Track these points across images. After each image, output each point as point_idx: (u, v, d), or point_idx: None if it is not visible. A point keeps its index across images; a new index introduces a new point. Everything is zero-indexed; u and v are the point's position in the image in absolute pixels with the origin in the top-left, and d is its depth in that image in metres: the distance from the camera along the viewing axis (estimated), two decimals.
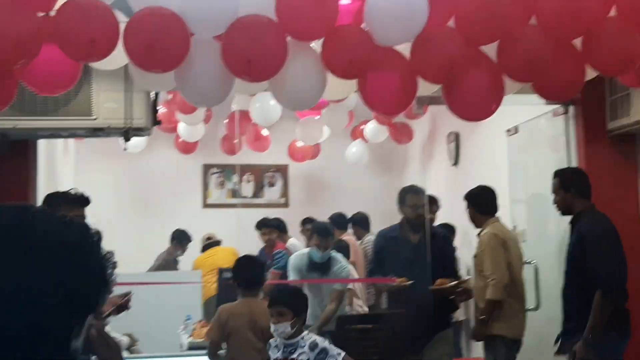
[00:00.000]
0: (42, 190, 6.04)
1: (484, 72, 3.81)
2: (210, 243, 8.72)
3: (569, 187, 4.61)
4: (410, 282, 5.10)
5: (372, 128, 8.95)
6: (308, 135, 8.87)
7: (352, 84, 3.91)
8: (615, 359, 4.39)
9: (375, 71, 3.70)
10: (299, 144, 9.34)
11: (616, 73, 4.19)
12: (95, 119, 4.50)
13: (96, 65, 4.09)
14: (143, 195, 9.84)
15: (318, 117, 8.52)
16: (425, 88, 3.91)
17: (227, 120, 8.75)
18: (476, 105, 3.92)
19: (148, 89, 4.25)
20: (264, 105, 7.40)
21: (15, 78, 3.57)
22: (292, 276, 6.09)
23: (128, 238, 9.45)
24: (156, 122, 4.71)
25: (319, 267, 6.03)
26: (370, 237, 7.39)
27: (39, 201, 5.11)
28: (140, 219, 9.68)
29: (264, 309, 4.50)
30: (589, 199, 4.62)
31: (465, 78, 3.76)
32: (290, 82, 3.70)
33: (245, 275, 4.65)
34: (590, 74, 4.06)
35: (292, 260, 6.23)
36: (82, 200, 3.72)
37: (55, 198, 3.71)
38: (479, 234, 5.21)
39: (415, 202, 5.29)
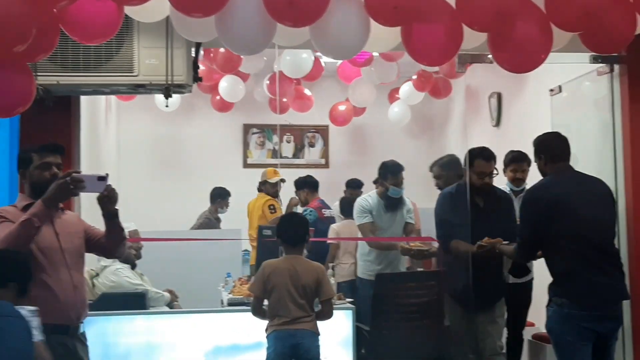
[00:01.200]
0: (85, 146, 6.13)
1: (532, 21, 3.72)
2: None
3: (539, 154, 4.56)
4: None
5: (406, 90, 8.90)
6: (359, 97, 8.86)
7: (396, 34, 3.86)
8: (566, 326, 4.26)
9: (420, 19, 3.64)
10: (342, 107, 9.32)
11: None
12: (136, 76, 4.53)
13: (138, 16, 4.12)
14: (183, 154, 9.93)
15: (360, 78, 8.51)
16: (469, 41, 3.84)
17: (268, 82, 8.75)
18: (523, 55, 3.85)
19: (190, 37, 4.24)
20: (294, 58, 7.39)
21: (56, 23, 3.59)
22: (362, 219, 6.43)
23: (168, 196, 9.58)
24: (197, 78, 4.72)
25: (395, 204, 6.45)
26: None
27: (82, 157, 5.20)
28: (180, 177, 9.78)
29: (307, 266, 4.60)
30: (561, 161, 4.48)
31: (512, 27, 3.69)
32: (332, 28, 3.67)
33: (289, 232, 4.67)
34: None
35: (360, 203, 6.54)
36: (58, 148, 3.76)
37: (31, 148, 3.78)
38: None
39: (483, 170, 5.19)
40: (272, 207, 7.68)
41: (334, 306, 4.96)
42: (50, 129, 4.70)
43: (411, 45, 3.80)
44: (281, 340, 4.45)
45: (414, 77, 8.84)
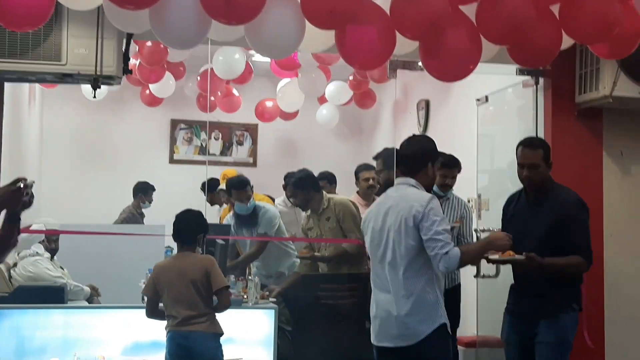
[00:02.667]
0: (7, 134, 5.97)
1: (463, 32, 3.80)
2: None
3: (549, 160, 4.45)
4: None
5: (332, 90, 8.94)
6: (288, 101, 8.85)
7: (330, 36, 3.88)
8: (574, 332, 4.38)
9: (355, 23, 3.68)
10: (269, 103, 9.32)
11: (592, 41, 4.23)
12: (64, 65, 4.43)
13: (69, 3, 4.04)
14: (108, 146, 9.76)
15: (293, 79, 8.51)
16: (402, 47, 3.90)
17: (199, 79, 8.69)
18: (453, 64, 3.93)
19: (122, 28, 4.18)
20: (227, 58, 7.35)
21: None
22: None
23: (92, 190, 9.41)
24: (127, 71, 4.65)
25: (247, 220, 6.40)
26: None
27: (4, 144, 5.06)
28: (105, 170, 9.61)
29: (195, 261, 4.46)
30: None
31: (444, 36, 3.76)
32: (267, 28, 3.68)
33: (178, 229, 4.56)
34: (565, 43, 4.08)
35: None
36: None
37: None
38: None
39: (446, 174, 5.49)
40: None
41: (257, 305, 4.96)
42: None
43: (344, 49, 3.84)
44: (174, 341, 4.40)
45: (350, 77, 8.89)
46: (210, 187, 8.01)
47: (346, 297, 5.46)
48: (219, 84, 8.37)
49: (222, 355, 4.45)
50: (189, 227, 4.54)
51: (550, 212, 4.25)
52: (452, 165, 5.52)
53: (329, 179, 7.30)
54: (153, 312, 4.52)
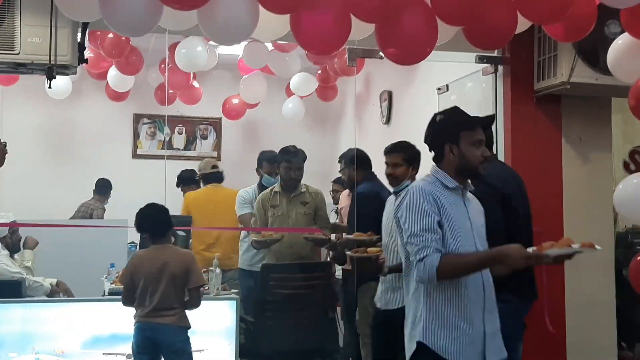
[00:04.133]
0: None
1: (418, 13, 3.80)
2: (214, 173, 7.42)
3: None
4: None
5: (297, 81, 8.92)
6: (250, 93, 8.81)
7: (285, 23, 3.86)
8: (513, 322, 4.15)
9: (309, 7, 3.66)
10: (235, 100, 9.26)
11: (546, 21, 4.24)
12: (17, 54, 4.36)
13: None
14: (70, 142, 9.64)
15: (258, 72, 8.47)
16: (358, 32, 3.88)
17: (162, 65, 8.59)
18: (410, 47, 3.92)
19: (73, 17, 4.12)
20: (190, 51, 7.28)
21: None
22: (241, 210, 6.47)
23: (53, 185, 9.30)
24: (83, 60, 4.58)
25: None
26: None
27: None
28: (67, 166, 9.50)
29: (177, 255, 4.54)
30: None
31: (399, 19, 3.74)
32: (220, 13, 3.64)
33: (152, 222, 4.58)
34: (522, 25, 4.09)
35: (241, 194, 6.61)
36: None
37: None
38: None
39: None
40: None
41: (219, 296, 4.94)
42: None
43: (300, 34, 3.82)
44: (142, 332, 4.43)
45: (319, 71, 8.87)
46: (185, 180, 7.96)
47: (309, 287, 5.44)
48: (180, 76, 8.27)
49: (190, 348, 4.48)
50: (163, 219, 4.58)
51: None
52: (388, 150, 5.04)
53: None
54: (129, 300, 4.51)
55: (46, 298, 5.55)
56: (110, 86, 8.77)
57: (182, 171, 8.21)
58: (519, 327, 4.26)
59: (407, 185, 4.47)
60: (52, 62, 4.36)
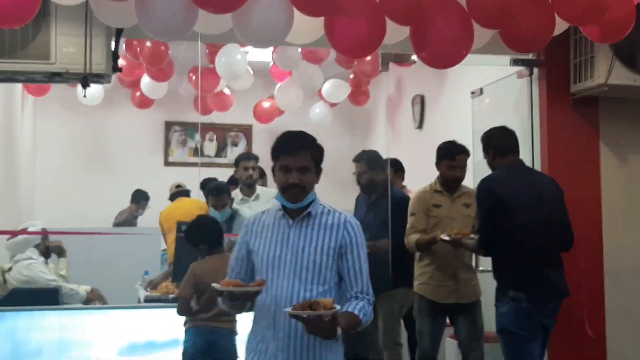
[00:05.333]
0: (0, 140, 5.94)
1: (453, 16, 3.76)
2: (178, 192, 8.46)
3: (487, 149, 4.62)
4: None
5: (328, 88, 8.89)
6: (286, 100, 8.80)
7: (320, 27, 3.84)
8: (525, 321, 4.23)
9: (343, 10, 3.64)
10: (266, 104, 9.26)
11: (583, 23, 4.18)
12: (53, 64, 4.37)
13: None
14: (103, 150, 9.73)
15: (290, 78, 8.46)
16: (392, 36, 3.85)
17: (190, 74, 8.62)
18: (445, 50, 3.88)
19: (109, 23, 4.14)
20: (229, 59, 7.30)
21: None
22: None
23: (86, 193, 9.37)
24: (116, 69, 4.60)
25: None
26: None
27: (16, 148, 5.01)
28: (100, 174, 9.58)
29: None
30: (509, 155, 4.53)
31: (433, 21, 3.71)
32: (254, 16, 3.65)
33: (209, 233, 4.69)
34: (559, 27, 4.03)
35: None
36: None
37: None
38: None
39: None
40: None
41: None
42: None
43: (334, 37, 3.80)
44: (201, 335, 4.49)
45: (351, 76, 8.82)
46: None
47: None
48: (212, 82, 8.29)
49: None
50: (217, 229, 4.76)
51: None
52: (459, 152, 5.17)
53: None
54: (186, 310, 4.58)
55: (82, 305, 5.58)
56: (139, 94, 8.82)
57: (204, 179, 8.28)
58: (531, 326, 4.23)
59: None
60: (87, 71, 4.38)
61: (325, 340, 2.85)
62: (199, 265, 4.61)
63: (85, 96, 4.71)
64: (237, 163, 6.81)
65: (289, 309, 2.73)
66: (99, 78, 4.52)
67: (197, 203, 7.50)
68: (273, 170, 3.05)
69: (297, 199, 3.00)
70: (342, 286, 3.02)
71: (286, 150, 3.00)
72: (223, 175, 8.34)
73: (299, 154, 2.99)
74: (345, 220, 3.04)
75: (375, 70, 7.73)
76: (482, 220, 4.41)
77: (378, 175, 5.63)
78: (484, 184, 4.43)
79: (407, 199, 5.47)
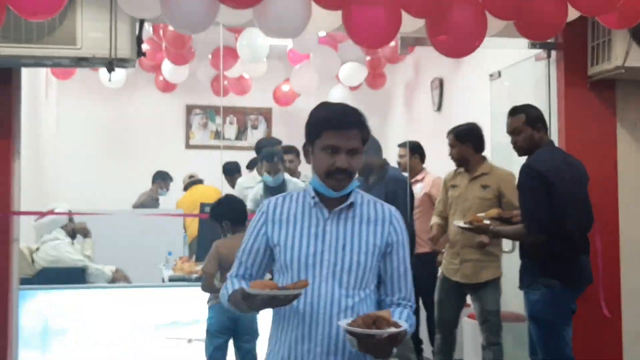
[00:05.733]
0: (25, 124, 6.04)
1: (467, 8, 3.84)
2: (192, 182, 8.73)
3: (536, 124, 4.47)
4: None
5: (347, 71, 8.95)
6: (301, 83, 8.88)
7: (338, 16, 3.93)
8: (558, 308, 4.25)
9: (360, 2, 3.72)
10: (285, 88, 9.35)
11: (597, 13, 4.23)
12: (79, 48, 4.48)
13: None
14: (125, 133, 9.85)
15: (307, 62, 8.54)
16: (408, 25, 3.93)
17: (210, 57, 8.72)
18: (459, 40, 3.96)
19: (134, 14, 4.25)
20: (251, 42, 7.39)
21: (3, 1, 3.57)
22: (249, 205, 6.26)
23: (108, 176, 9.51)
24: (140, 53, 4.70)
25: (275, 192, 6.21)
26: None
27: (22, 131, 5.14)
28: (122, 157, 9.71)
29: None
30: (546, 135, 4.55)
31: (449, 13, 3.79)
32: (274, 9, 3.73)
33: (234, 212, 4.80)
34: (572, 14, 4.09)
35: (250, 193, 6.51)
36: None
37: None
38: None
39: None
40: None
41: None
42: None
43: (351, 28, 3.89)
44: (223, 312, 4.59)
45: (368, 58, 8.89)
46: (229, 171, 8.13)
47: None
48: (231, 65, 8.39)
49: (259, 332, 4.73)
50: (243, 208, 4.86)
51: None
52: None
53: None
54: (211, 286, 4.69)
55: (109, 284, 5.72)
56: (161, 78, 8.94)
57: (226, 163, 8.40)
58: (565, 312, 4.28)
59: None
60: (112, 56, 4.49)
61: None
62: (223, 243, 4.72)
63: (110, 80, 4.80)
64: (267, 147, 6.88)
65: (343, 324, 2.29)
66: (123, 62, 4.63)
67: (212, 188, 7.74)
68: (306, 149, 2.57)
69: (341, 187, 2.50)
70: (379, 290, 2.58)
71: (335, 126, 2.49)
72: (244, 158, 8.47)
73: (350, 132, 2.50)
74: (390, 214, 2.59)
75: (395, 54, 7.79)
76: (532, 204, 4.22)
77: (373, 158, 5.71)
78: (533, 166, 4.29)
79: (404, 179, 5.63)
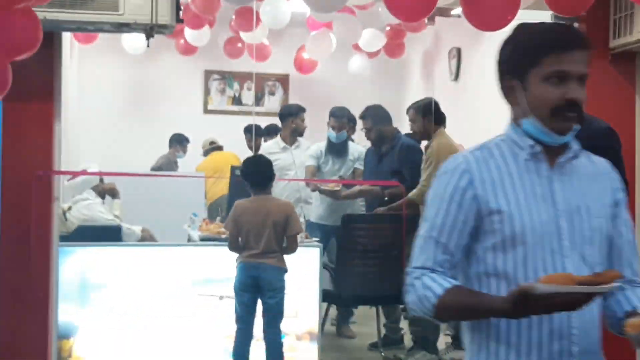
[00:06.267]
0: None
1: None
2: (213, 147, 8.92)
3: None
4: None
5: (366, 37, 9.03)
6: (317, 48, 8.98)
7: None
8: None
9: None
10: (306, 55, 9.46)
11: None
12: (121, 14, 4.62)
13: None
14: (144, 97, 10.01)
15: (325, 29, 8.63)
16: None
17: (234, 17, 8.78)
18: (493, 14, 4.11)
19: None
20: (274, 8, 7.51)
21: None
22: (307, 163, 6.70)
23: (128, 140, 9.68)
24: (179, 20, 4.84)
25: (338, 150, 6.62)
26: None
27: (64, 93, 5.29)
28: (141, 120, 9.88)
29: (278, 204, 4.95)
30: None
31: None
32: None
33: (255, 174, 4.96)
34: None
35: (312, 147, 6.88)
36: None
37: None
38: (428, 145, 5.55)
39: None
40: None
41: (303, 243, 5.25)
42: (34, 66, 4.79)
43: (390, 2, 4.03)
44: (246, 270, 4.83)
45: (387, 28, 8.96)
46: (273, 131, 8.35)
47: (386, 236, 5.71)
48: (254, 31, 8.47)
49: (285, 288, 4.90)
50: (266, 171, 4.97)
51: None
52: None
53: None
54: (235, 245, 4.92)
55: (147, 242, 5.92)
56: (182, 41, 9.04)
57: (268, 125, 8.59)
58: None
59: None
60: (153, 22, 4.63)
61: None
62: (241, 203, 4.94)
63: (148, 46, 4.96)
64: (296, 114, 7.18)
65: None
66: (162, 28, 4.78)
67: (231, 154, 7.97)
68: (510, 85, 2.03)
69: (569, 128, 1.94)
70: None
71: (562, 47, 1.93)
72: (261, 123, 8.62)
73: (579, 53, 1.96)
74: (607, 165, 2.08)
75: (422, 23, 7.90)
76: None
77: (385, 128, 5.92)
78: (611, 130, 4.18)
79: (416, 146, 5.85)
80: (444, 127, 5.95)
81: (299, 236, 5.10)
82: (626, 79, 5.46)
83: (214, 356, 5.21)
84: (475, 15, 4.19)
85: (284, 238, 4.88)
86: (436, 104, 5.85)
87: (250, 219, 4.85)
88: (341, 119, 6.68)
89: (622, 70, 5.44)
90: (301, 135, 7.21)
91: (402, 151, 5.89)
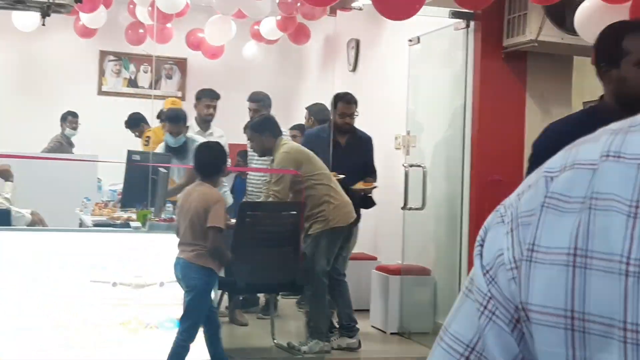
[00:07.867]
0: None
1: None
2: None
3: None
4: (342, 176, 5.57)
5: (267, 27, 9.01)
6: (215, 34, 8.89)
7: None
8: None
9: None
10: (201, 34, 9.34)
11: None
12: None
13: None
14: (37, 76, 9.68)
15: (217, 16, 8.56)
16: None
17: (132, 5, 8.64)
18: (402, 4, 4.21)
19: None
20: None
21: None
22: None
23: (19, 120, 9.36)
24: (78, 0, 4.72)
25: (177, 152, 6.50)
26: None
27: None
28: (33, 100, 9.56)
29: (204, 193, 4.59)
30: None
31: None
32: None
33: (199, 162, 4.76)
34: None
35: None
36: None
37: None
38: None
39: (344, 111, 5.84)
40: (147, 138, 7.71)
41: None
42: None
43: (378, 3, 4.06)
44: (175, 265, 4.61)
45: (278, 17, 8.97)
46: (132, 123, 8.20)
47: (282, 224, 5.74)
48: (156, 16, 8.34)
49: (206, 287, 4.58)
50: (207, 160, 4.73)
51: None
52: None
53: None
54: (177, 235, 4.71)
55: (36, 227, 5.74)
56: (79, 22, 8.80)
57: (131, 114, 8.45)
58: None
59: None
60: (51, 1, 4.51)
61: None
62: (186, 189, 4.82)
63: (44, 24, 4.81)
64: (199, 98, 7.03)
65: None
66: (60, 8, 4.66)
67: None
68: (606, 69, 2.18)
69: None
70: None
71: None
72: (157, 107, 8.48)
73: None
74: None
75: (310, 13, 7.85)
76: None
77: (269, 139, 5.90)
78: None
79: (370, 138, 5.99)
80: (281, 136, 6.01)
81: None
82: (517, 76, 5.69)
83: (108, 344, 5.11)
84: (385, 5, 4.28)
85: (204, 230, 4.50)
86: (272, 119, 5.93)
87: (180, 206, 4.67)
88: (178, 123, 6.58)
89: (514, 68, 5.67)
90: (208, 122, 7.12)
91: (364, 143, 6.10)
